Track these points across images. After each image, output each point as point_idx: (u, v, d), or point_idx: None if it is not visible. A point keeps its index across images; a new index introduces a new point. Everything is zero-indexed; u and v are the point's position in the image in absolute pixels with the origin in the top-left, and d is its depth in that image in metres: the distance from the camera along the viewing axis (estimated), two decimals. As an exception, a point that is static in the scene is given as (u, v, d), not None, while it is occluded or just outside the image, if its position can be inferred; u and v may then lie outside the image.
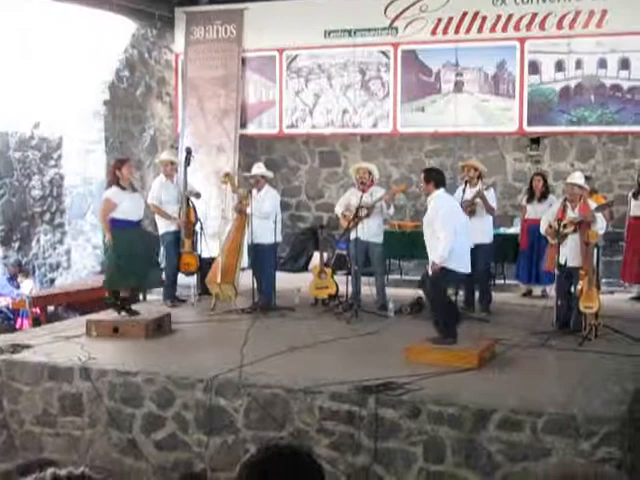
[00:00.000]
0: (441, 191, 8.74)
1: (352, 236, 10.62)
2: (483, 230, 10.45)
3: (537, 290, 11.93)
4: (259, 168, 11.16)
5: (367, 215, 10.53)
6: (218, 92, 14.06)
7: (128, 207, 9.84)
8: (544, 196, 11.54)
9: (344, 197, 11.15)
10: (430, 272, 8.55)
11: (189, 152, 11.61)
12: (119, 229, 9.74)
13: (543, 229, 9.60)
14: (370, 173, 10.82)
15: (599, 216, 9.33)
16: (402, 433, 6.64)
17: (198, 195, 11.49)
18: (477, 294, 10.65)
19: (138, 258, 9.99)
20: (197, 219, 11.31)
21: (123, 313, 9.83)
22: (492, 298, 10.73)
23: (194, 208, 11.34)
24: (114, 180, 9.94)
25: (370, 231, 10.63)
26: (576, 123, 12.57)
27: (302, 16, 13.60)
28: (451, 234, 8.37)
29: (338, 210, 11.00)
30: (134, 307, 10.13)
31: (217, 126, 14.02)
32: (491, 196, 10.71)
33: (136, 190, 10.25)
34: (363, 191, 10.60)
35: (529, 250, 11.65)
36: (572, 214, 9.26)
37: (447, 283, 8.80)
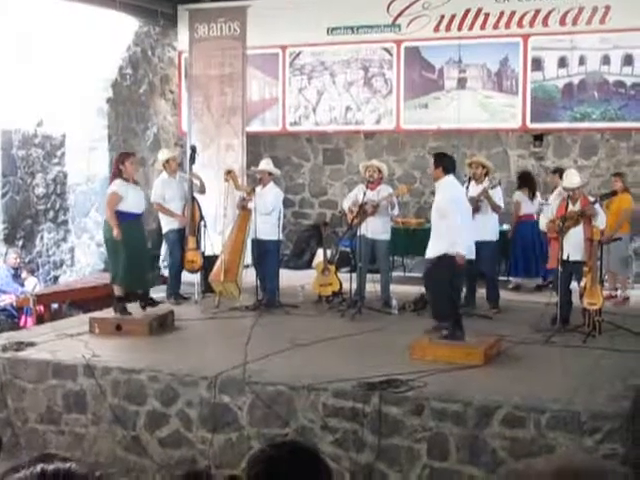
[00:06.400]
0: (450, 177, 8.72)
1: (358, 233, 10.61)
2: (488, 227, 10.39)
3: (531, 284, 11.96)
4: (267, 164, 11.12)
5: (374, 212, 10.50)
6: (225, 90, 13.98)
7: (133, 199, 9.73)
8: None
9: (352, 193, 11.10)
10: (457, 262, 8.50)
11: (194, 150, 11.60)
12: (126, 223, 9.57)
13: (542, 225, 9.60)
14: (379, 171, 10.82)
15: (598, 208, 9.33)
16: (406, 430, 6.65)
17: (203, 190, 11.44)
18: (484, 291, 10.64)
19: (144, 258, 9.96)
20: (202, 217, 11.29)
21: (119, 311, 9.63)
22: (499, 295, 10.72)
23: (199, 205, 11.32)
24: (117, 173, 9.80)
25: (376, 229, 10.59)
26: (579, 120, 12.55)
27: (305, 13, 13.58)
28: (459, 220, 8.40)
29: (345, 205, 10.96)
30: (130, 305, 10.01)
31: (225, 124, 13.98)
32: (497, 194, 10.66)
33: (137, 183, 10.10)
34: (370, 189, 10.60)
35: (521, 245, 11.76)
36: (573, 208, 9.26)
37: (451, 269, 8.65)
